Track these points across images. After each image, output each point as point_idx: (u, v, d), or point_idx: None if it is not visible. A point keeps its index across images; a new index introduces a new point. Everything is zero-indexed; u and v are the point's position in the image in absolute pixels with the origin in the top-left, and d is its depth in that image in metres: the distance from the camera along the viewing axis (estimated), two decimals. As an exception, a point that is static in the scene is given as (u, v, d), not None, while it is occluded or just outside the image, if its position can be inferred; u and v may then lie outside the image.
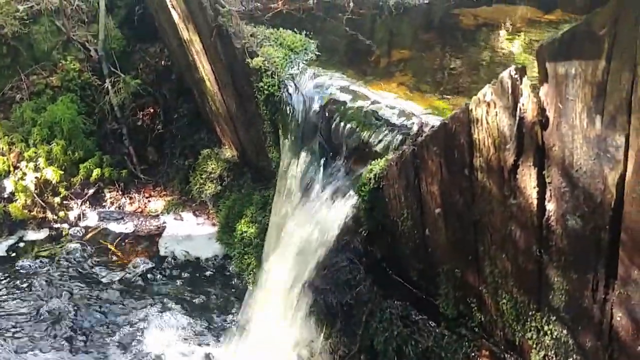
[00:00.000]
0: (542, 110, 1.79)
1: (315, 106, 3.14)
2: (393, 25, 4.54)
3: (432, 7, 4.65)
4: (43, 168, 4.63)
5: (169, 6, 3.73)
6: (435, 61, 3.69)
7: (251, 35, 3.50)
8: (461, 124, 2.07)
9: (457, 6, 4.57)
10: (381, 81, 3.40)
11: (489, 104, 1.92)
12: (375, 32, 4.43)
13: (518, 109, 1.83)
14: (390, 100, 3.05)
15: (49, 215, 4.64)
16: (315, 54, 3.59)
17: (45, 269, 4.12)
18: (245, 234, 3.81)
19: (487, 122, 1.96)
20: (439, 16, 4.48)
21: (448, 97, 3.17)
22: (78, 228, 4.57)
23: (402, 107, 2.95)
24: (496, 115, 1.91)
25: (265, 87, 3.24)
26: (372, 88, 3.27)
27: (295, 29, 3.78)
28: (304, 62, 3.44)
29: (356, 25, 4.49)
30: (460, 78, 3.41)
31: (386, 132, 2.77)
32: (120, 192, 4.92)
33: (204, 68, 3.78)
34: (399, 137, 2.70)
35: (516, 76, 1.82)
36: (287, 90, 3.23)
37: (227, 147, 4.42)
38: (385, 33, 4.46)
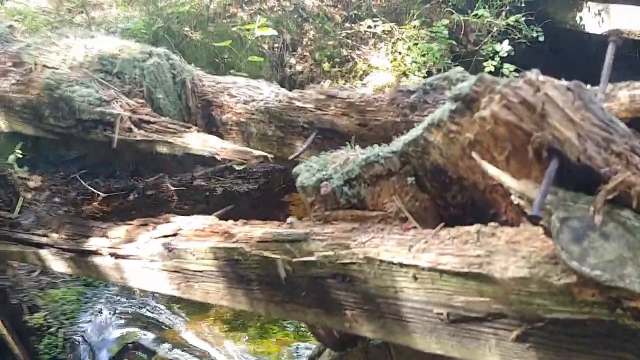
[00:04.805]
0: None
1: (110, 361, 2.62)
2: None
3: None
4: None
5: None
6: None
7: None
8: None
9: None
10: (195, 315, 2.97)
11: None
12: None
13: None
14: (203, 344, 2.64)
15: None
16: (120, 284, 3.10)
17: None
18: None
19: None
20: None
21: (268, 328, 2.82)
22: None
23: (215, 355, 2.55)
24: None
25: (47, 350, 2.65)
26: (186, 325, 2.85)
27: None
28: (102, 301, 2.94)
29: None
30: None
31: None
32: None
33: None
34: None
35: None
36: (75, 348, 2.68)
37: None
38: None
